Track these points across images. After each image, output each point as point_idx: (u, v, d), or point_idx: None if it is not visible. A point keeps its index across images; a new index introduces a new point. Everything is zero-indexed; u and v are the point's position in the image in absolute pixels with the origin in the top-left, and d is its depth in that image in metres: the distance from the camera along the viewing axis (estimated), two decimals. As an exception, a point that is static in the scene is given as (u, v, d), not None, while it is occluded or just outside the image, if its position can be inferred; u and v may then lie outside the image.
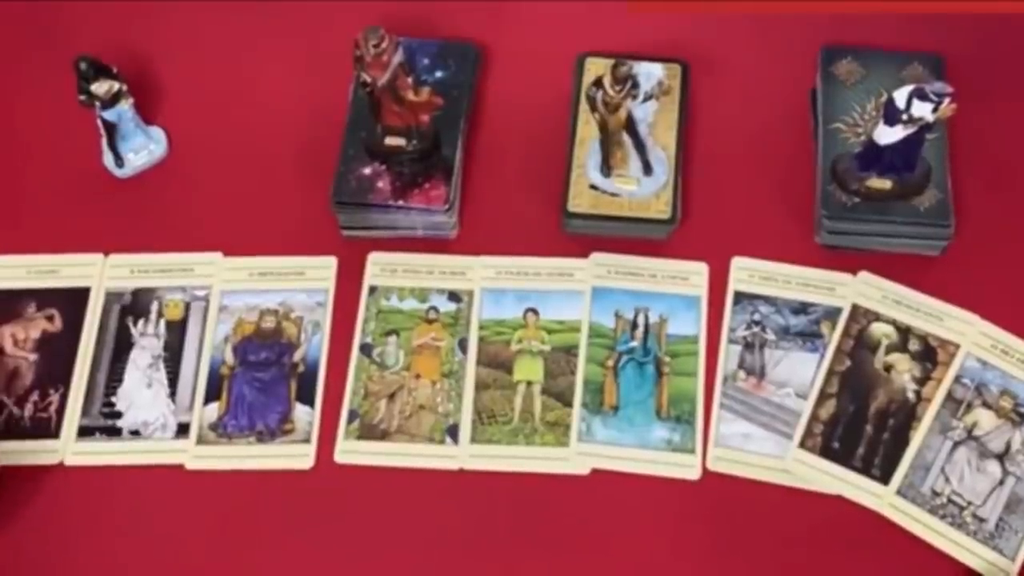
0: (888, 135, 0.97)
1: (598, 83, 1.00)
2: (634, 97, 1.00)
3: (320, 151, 1.05)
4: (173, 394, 0.99)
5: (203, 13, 1.16)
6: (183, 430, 0.98)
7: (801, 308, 1.00)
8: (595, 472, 0.96)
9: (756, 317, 1.00)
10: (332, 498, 0.95)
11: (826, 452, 0.95)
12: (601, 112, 1.00)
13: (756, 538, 0.93)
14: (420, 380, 0.99)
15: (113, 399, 0.99)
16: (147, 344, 1.01)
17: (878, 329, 0.99)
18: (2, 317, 1.02)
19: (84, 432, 0.98)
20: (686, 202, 1.04)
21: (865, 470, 0.94)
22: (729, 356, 0.99)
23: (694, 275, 1.02)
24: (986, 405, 0.95)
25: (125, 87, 1.05)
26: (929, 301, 0.99)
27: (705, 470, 0.95)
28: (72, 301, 1.02)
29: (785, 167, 1.06)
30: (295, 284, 1.03)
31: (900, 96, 0.95)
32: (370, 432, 0.97)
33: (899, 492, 0.93)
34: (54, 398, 0.99)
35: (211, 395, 0.99)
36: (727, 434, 0.96)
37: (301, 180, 1.06)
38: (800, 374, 0.98)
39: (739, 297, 1.01)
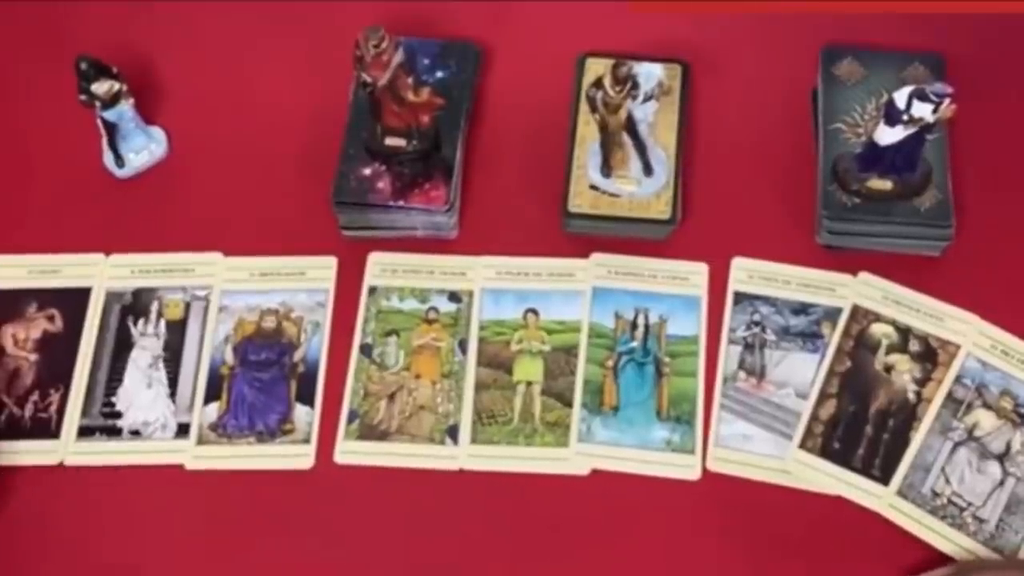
0: (889, 136, 0.97)
1: (598, 83, 0.99)
2: (634, 97, 1.00)
3: (320, 151, 1.05)
4: (173, 394, 0.99)
5: (203, 13, 1.16)
6: (183, 430, 0.98)
7: (801, 308, 1.00)
8: (595, 472, 0.96)
9: (756, 317, 1.00)
10: (332, 498, 0.95)
11: (826, 452, 0.95)
12: (601, 112, 1.00)
13: (756, 538, 0.93)
14: (420, 380, 0.99)
15: (113, 399, 0.99)
16: (147, 344, 1.01)
17: (878, 329, 0.99)
18: (3, 317, 1.02)
19: (84, 432, 0.98)
20: (686, 202, 1.04)
21: (865, 471, 0.94)
22: (729, 356, 0.99)
23: (694, 275, 1.02)
24: (986, 406, 0.95)
25: (125, 87, 1.05)
26: (929, 301, 0.99)
27: (705, 470, 0.95)
28: (73, 301, 1.02)
29: (785, 167, 1.06)
30: (295, 284, 1.03)
31: (900, 97, 0.95)
32: (370, 432, 0.97)
33: (899, 493, 0.93)
34: (54, 398, 0.99)
35: (211, 395, 0.99)
36: (727, 434, 0.96)
37: (301, 180, 1.06)
38: (800, 374, 0.98)
39: (739, 297, 1.01)
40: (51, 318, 1.02)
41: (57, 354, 1.01)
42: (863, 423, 0.96)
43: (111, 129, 1.06)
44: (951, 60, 1.06)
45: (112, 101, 1.04)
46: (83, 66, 1.02)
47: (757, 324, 1.00)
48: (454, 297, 1.02)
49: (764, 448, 0.96)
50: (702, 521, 0.94)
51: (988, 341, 0.97)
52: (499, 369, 0.99)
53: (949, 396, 0.96)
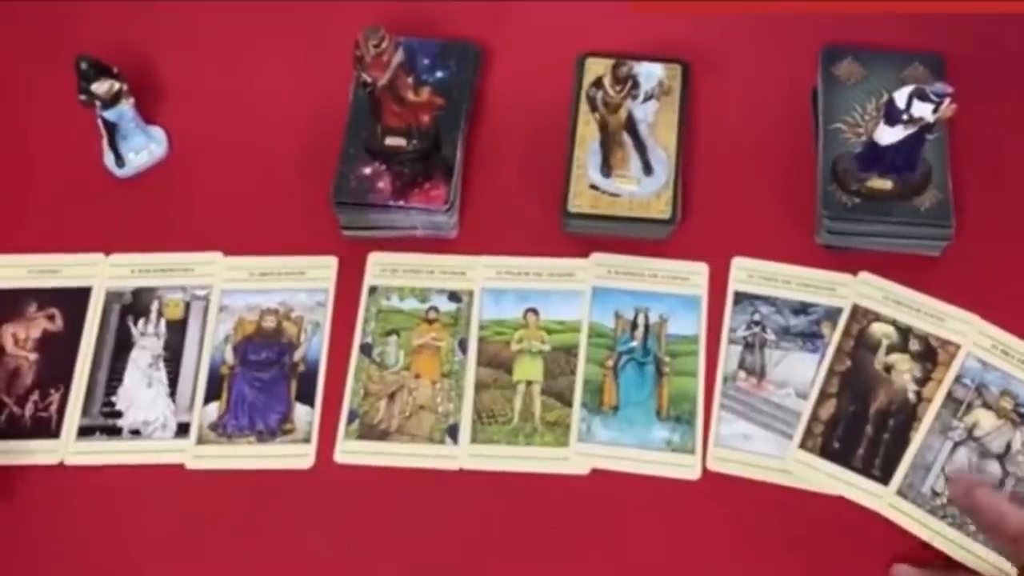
0: (889, 135, 0.97)
1: (598, 83, 0.99)
2: (634, 97, 1.00)
3: (320, 151, 1.05)
4: (173, 394, 0.99)
5: (203, 13, 1.16)
6: (183, 430, 0.98)
7: (801, 308, 1.00)
8: (595, 472, 0.96)
9: (756, 317, 1.00)
10: (332, 498, 0.95)
11: (826, 452, 0.95)
12: (601, 112, 1.00)
13: (756, 538, 0.93)
14: (420, 380, 0.99)
15: (113, 399, 0.99)
16: (147, 344, 1.01)
17: (878, 329, 0.99)
18: (3, 316, 1.02)
19: (84, 432, 0.98)
20: (686, 202, 1.04)
21: (865, 470, 0.94)
22: (729, 356, 0.99)
23: (694, 275, 1.02)
24: (986, 405, 0.95)
25: (125, 87, 1.05)
26: (929, 301, 0.99)
27: (705, 470, 0.95)
28: (73, 300, 1.02)
29: (785, 167, 1.06)
30: (295, 284, 1.03)
31: (900, 96, 0.95)
32: (370, 432, 0.97)
33: (899, 492, 0.93)
34: (54, 398, 0.99)
35: (211, 395, 0.99)
36: (727, 434, 0.96)
37: (301, 180, 1.06)
38: (800, 374, 0.98)
39: (739, 297, 1.01)
40: (51, 318, 1.02)
41: (57, 354, 1.01)
42: (863, 423, 0.96)
43: (111, 129, 1.06)
44: (951, 60, 1.06)
45: (112, 101, 1.04)
46: (83, 66, 1.02)
47: (757, 324, 1.00)
48: (454, 297, 1.02)
49: (764, 448, 0.96)
50: (702, 521, 0.94)
51: (988, 341, 0.97)
52: (499, 369, 0.99)
53: (949, 396, 0.96)
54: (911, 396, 0.96)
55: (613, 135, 1.01)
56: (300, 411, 0.98)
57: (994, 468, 0.93)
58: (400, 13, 1.09)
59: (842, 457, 0.95)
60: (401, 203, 1.02)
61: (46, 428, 0.98)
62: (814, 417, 0.96)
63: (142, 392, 0.99)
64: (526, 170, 1.07)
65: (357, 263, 1.04)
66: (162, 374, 1.00)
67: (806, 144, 1.06)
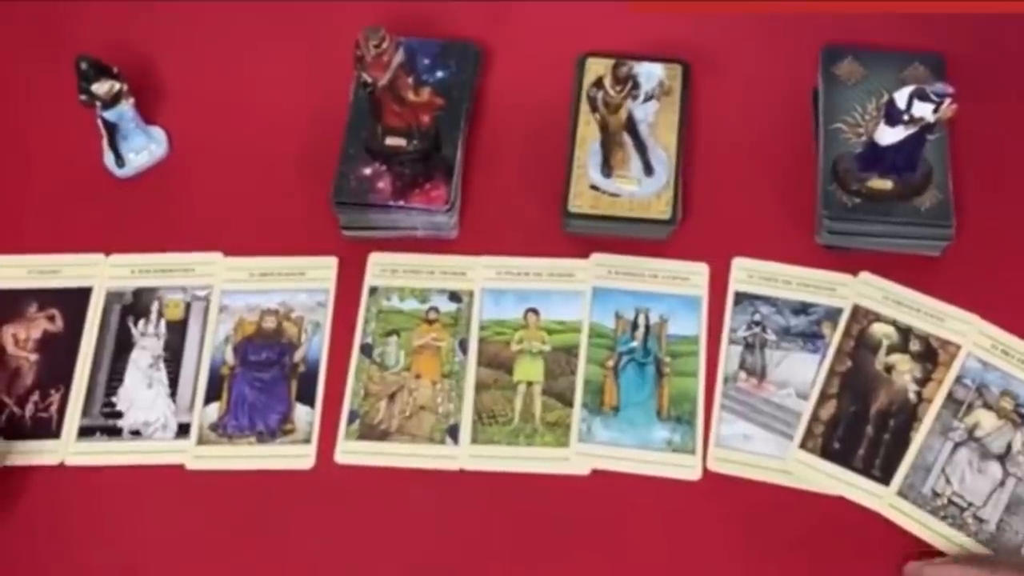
0: (889, 135, 0.97)
1: (599, 83, 0.99)
2: (635, 97, 1.00)
3: (320, 151, 1.05)
4: (174, 394, 0.99)
5: (203, 13, 1.16)
6: (183, 430, 0.98)
7: (802, 308, 1.00)
8: (595, 472, 0.96)
9: (757, 317, 1.00)
10: (332, 498, 0.95)
11: (826, 453, 0.95)
12: (602, 112, 1.00)
13: (756, 539, 0.93)
14: (420, 380, 0.99)
15: (114, 399, 0.99)
16: (148, 344, 1.01)
17: (879, 329, 0.99)
18: (3, 317, 1.02)
19: (84, 432, 0.98)
20: (686, 202, 1.04)
21: (866, 471, 0.94)
22: (730, 356, 0.99)
23: (694, 275, 1.02)
24: (987, 406, 0.95)
25: (126, 87, 1.05)
26: (930, 301, 0.99)
27: (705, 471, 0.95)
28: (73, 301, 1.02)
29: (786, 167, 1.06)
30: (296, 284, 1.03)
31: (901, 96, 0.95)
32: (370, 432, 0.97)
33: (900, 493, 0.93)
34: (55, 398, 0.99)
35: (211, 395, 0.99)
36: (727, 435, 0.96)
37: (301, 180, 1.06)
38: (801, 374, 0.98)
39: (739, 297, 1.01)
40: (51, 318, 1.02)
41: (57, 354, 1.01)
42: (863, 423, 0.96)
43: (111, 129, 1.06)
44: (951, 60, 1.06)
45: (112, 101, 1.04)
46: (83, 66, 1.02)
47: (758, 324, 1.00)
48: (454, 297, 1.02)
49: (764, 448, 0.96)
50: (702, 521, 0.94)
51: (988, 341, 0.97)
52: (499, 369, 0.99)
53: (949, 396, 0.96)
54: (911, 396, 0.96)
55: (613, 135, 1.01)
56: (300, 411, 0.98)
57: (994, 469, 0.94)
58: (400, 13, 1.09)
59: (842, 457, 0.95)
60: (401, 203, 1.02)
61: (46, 428, 0.98)
62: (814, 417, 0.96)
63: (142, 392, 0.99)
64: (526, 170, 1.07)
65: (357, 263, 1.04)
66: (162, 374, 1.00)
67: (806, 144, 1.06)
